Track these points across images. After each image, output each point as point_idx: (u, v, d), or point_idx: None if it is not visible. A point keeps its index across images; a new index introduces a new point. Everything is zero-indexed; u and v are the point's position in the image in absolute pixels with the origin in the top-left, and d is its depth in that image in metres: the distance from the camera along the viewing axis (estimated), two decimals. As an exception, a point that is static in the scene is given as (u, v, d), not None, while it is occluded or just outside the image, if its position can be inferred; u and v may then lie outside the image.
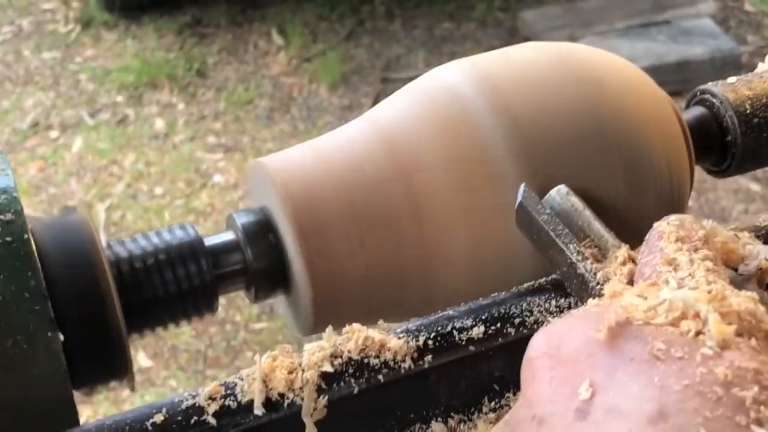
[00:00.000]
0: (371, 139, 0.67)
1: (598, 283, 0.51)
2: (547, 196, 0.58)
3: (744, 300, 0.40)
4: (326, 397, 0.55)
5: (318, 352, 0.56)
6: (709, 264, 0.44)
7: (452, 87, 0.68)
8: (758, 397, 0.36)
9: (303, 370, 0.55)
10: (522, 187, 0.57)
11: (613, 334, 0.39)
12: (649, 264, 0.46)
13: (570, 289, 0.55)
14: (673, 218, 0.47)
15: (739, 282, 0.46)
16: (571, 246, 0.53)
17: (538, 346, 0.42)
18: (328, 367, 0.55)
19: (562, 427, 0.38)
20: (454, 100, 0.67)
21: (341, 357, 0.56)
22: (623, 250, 0.51)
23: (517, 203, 0.57)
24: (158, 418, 0.53)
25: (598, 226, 0.55)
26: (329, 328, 0.57)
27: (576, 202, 0.57)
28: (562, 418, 0.39)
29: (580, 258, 0.52)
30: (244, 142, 3.34)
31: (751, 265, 0.47)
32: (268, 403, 0.54)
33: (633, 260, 0.50)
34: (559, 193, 0.58)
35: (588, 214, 0.55)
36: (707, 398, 0.36)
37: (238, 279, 0.67)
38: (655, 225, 0.47)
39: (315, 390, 0.54)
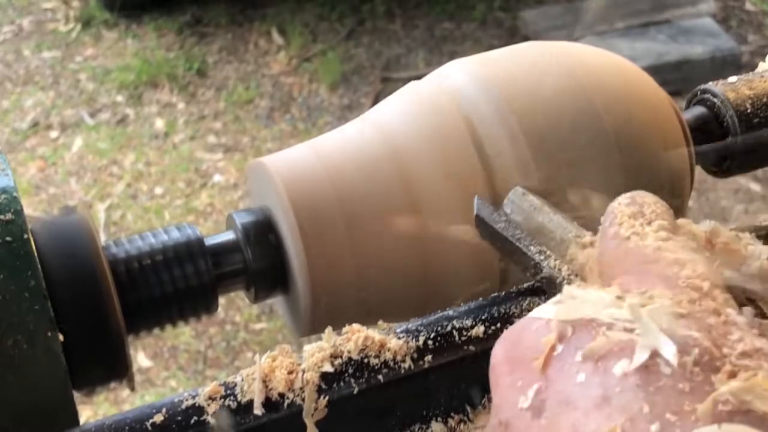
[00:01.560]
0: (372, 139, 0.67)
1: (564, 279, 0.51)
2: (505, 200, 0.58)
3: (695, 273, 0.40)
4: (327, 398, 0.55)
5: (318, 352, 0.55)
6: (663, 234, 0.43)
7: (453, 86, 0.68)
8: (699, 359, 0.36)
9: (303, 371, 0.55)
10: (475, 199, 0.58)
11: (561, 330, 0.40)
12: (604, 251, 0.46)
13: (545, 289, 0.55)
14: (623, 196, 0.47)
15: (741, 282, 0.46)
16: (532, 247, 0.53)
17: (497, 352, 0.43)
18: (328, 368, 0.55)
19: (523, 429, 0.39)
20: (454, 100, 0.67)
21: (341, 357, 0.56)
22: (587, 239, 0.51)
23: (474, 216, 0.58)
24: (158, 418, 0.53)
25: (559, 218, 0.55)
26: (329, 329, 0.57)
27: (533, 200, 0.57)
28: (522, 419, 0.39)
29: (542, 257, 0.52)
30: (244, 142, 3.34)
31: (753, 265, 0.47)
32: (267, 403, 0.54)
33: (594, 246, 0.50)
34: (516, 195, 0.58)
35: (547, 210, 0.56)
36: (649, 371, 0.36)
37: (238, 279, 0.67)
38: (608, 208, 0.47)
39: (315, 391, 0.54)
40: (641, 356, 0.37)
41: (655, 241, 0.43)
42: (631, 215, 0.45)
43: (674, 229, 0.44)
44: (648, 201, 0.46)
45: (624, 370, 0.37)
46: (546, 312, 0.41)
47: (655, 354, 0.37)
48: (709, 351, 0.36)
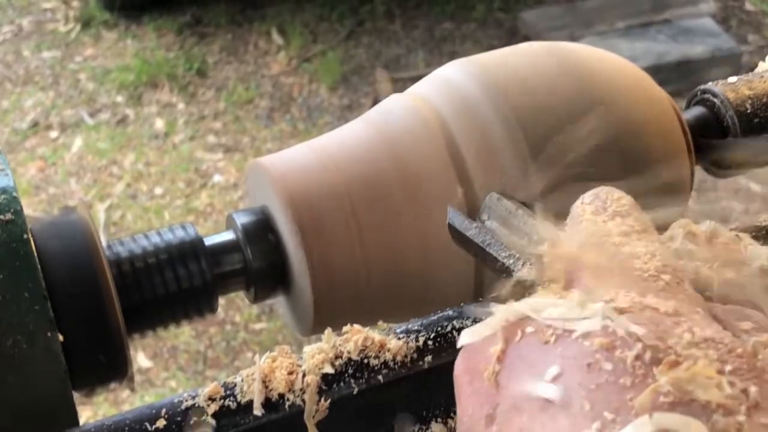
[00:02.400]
0: (371, 139, 0.67)
1: (532, 283, 0.51)
2: (482, 205, 0.59)
3: (653, 266, 0.40)
4: (328, 400, 0.55)
5: (318, 354, 0.55)
6: (625, 228, 0.43)
7: (454, 86, 0.68)
8: (642, 354, 0.36)
9: (304, 374, 0.55)
10: (448, 208, 0.58)
11: (509, 335, 0.40)
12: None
13: None
14: (587, 194, 0.47)
15: (742, 283, 0.46)
16: (502, 252, 0.53)
17: (458, 363, 0.43)
18: (329, 369, 0.55)
19: None
20: (455, 99, 0.67)
21: (341, 357, 0.56)
22: (558, 241, 0.51)
23: (447, 224, 0.58)
24: (158, 418, 0.53)
25: (534, 222, 0.55)
26: (328, 330, 0.57)
27: (508, 204, 0.57)
28: (478, 427, 0.39)
29: (512, 261, 0.52)
30: (244, 142, 3.33)
31: (754, 265, 0.47)
32: (267, 404, 0.54)
33: None
34: (491, 200, 0.58)
35: (522, 213, 0.56)
36: (590, 368, 0.36)
37: (238, 279, 0.67)
38: (572, 206, 0.47)
39: (316, 392, 0.54)
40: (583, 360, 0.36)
41: (617, 237, 0.43)
42: (594, 212, 0.45)
43: (641, 224, 0.44)
44: (612, 196, 0.45)
45: (563, 369, 0.37)
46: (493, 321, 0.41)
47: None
48: (653, 345, 0.36)
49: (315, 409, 0.54)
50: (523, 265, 0.52)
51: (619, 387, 0.35)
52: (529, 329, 0.39)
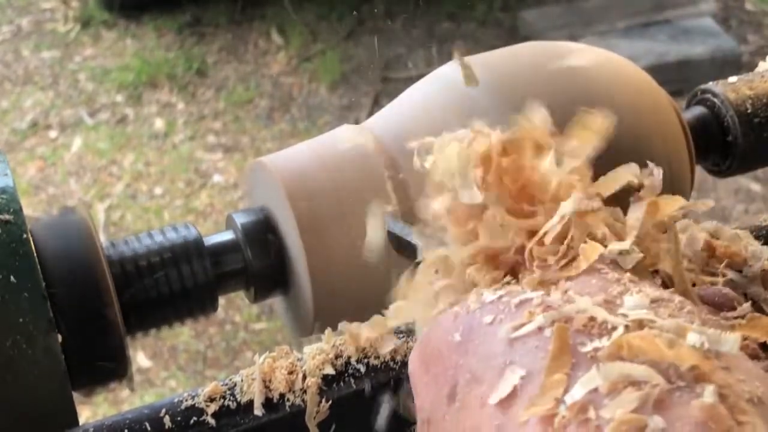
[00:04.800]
0: (370, 139, 0.67)
1: None
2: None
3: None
4: (329, 401, 0.54)
5: (318, 355, 0.55)
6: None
7: (456, 85, 0.68)
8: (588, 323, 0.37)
9: (305, 376, 0.55)
10: (385, 217, 0.58)
11: (458, 315, 0.41)
12: None
13: None
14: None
15: (744, 284, 0.46)
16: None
17: (413, 359, 0.44)
18: (329, 370, 0.55)
19: (440, 418, 0.40)
20: (455, 99, 0.67)
21: (341, 357, 0.56)
22: None
23: (387, 233, 0.58)
24: (157, 418, 0.53)
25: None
26: (328, 330, 0.57)
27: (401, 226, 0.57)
28: (439, 409, 0.40)
29: None
30: (244, 142, 3.33)
31: (755, 266, 0.47)
32: (267, 404, 0.54)
33: None
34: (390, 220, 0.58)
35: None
36: (537, 338, 0.37)
37: (238, 279, 0.67)
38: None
39: (317, 393, 0.54)
40: (535, 324, 0.38)
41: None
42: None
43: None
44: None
45: (515, 335, 0.38)
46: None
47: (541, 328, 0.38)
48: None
49: (316, 410, 0.54)
50: None
51: (577, 350, 0.36)
52: (475, 305, 0.40)
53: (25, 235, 0.56)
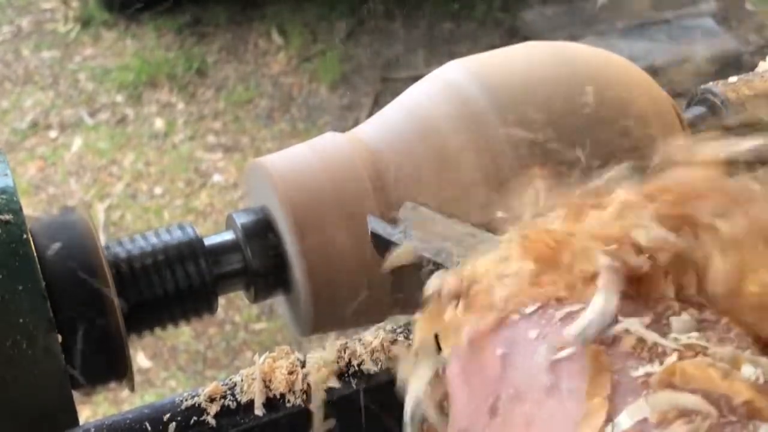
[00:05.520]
0: (371, 139, 0.67)
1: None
2: (398, 217, 0.58)
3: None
4: (334, 419, 0.54)
5: (324, 367, 0.55)
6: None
7: (454, 86, 0.68)
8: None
9: (305, 376, 0.55)
10: (369, 217, 0.58)
11: (493, 328, 0.40)
12: None
13: None
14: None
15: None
16: (433, 253, 0.53)
17: (452, 366, 0.43)
18: (334, 383, 0.55)
19: (481, 430, 0.39)
20: (454, 99, 0.67)
21: (343, 359, 0.56)
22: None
23: (369, 234, 0.57)
24: (158, 418, 0.53)
25: (452, 223, 0.55)
26: (331, 342, 0.57)
27: (425, 211, 0.57)
28: (480, 421, 0.39)
29: (444, 258, 0.52)
30: (244, 142, 3.33)
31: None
32: (267, 403, 0.54)
33: None
34: (406, 209, 0.58)
35: (440, 217, 0.56)
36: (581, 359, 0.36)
37: (238, 279, 0.67)
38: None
39: (323, 407, 0.54)
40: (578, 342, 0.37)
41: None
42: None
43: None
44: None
45: (557, 357, 0.37)
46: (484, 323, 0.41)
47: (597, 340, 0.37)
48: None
49: (322, 428, 0.54)
50: (457, 263, 0.51)
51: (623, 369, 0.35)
52: (516, 317, 0.39)
53: (25, 235, 0.56)
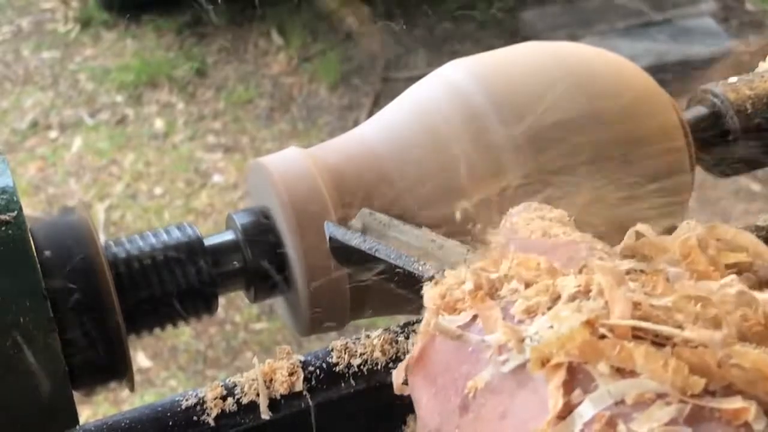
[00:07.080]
0: (372, 139, 0.67)
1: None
2: (353, 223, 0.58)
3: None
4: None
5: (323, 367, 0.56)
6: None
7: (454, 86, 0.68)
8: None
9: (305, 377, 0.55)
10: (326, 223, 0.57)
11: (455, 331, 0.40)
12: None
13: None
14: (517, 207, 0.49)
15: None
16: (393, 257, 0.53)
17: (414, 372, 0.43)
18: (334, 383, 0.55)
19: (453, 428, 0.39)
20: (455, 99, 0.67)
21: (342, 358, 0.56)
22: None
23: (328, 241, 0.57)
24: (158, 418, 0.53)
25: (412, 229, 0.55)
26: (331, 343, 0.57)
27: (382, 217, 0.57)
28: (451, 420, 0.39)
29: (404, 262, 0.52)
30: (244, 142, 3.33)
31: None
32: (268, 404, 0.54)
33: None
34: (362, 216, 0.58)
35: (397, 223, 0.56)
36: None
37: (238, 279, 0.67)
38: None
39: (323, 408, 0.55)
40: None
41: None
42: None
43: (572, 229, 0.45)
44: (544, 206, 0.48)
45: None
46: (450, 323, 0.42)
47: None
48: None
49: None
50: (418, 265, 0.51)
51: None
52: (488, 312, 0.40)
53: (25, 235, 0.56)
